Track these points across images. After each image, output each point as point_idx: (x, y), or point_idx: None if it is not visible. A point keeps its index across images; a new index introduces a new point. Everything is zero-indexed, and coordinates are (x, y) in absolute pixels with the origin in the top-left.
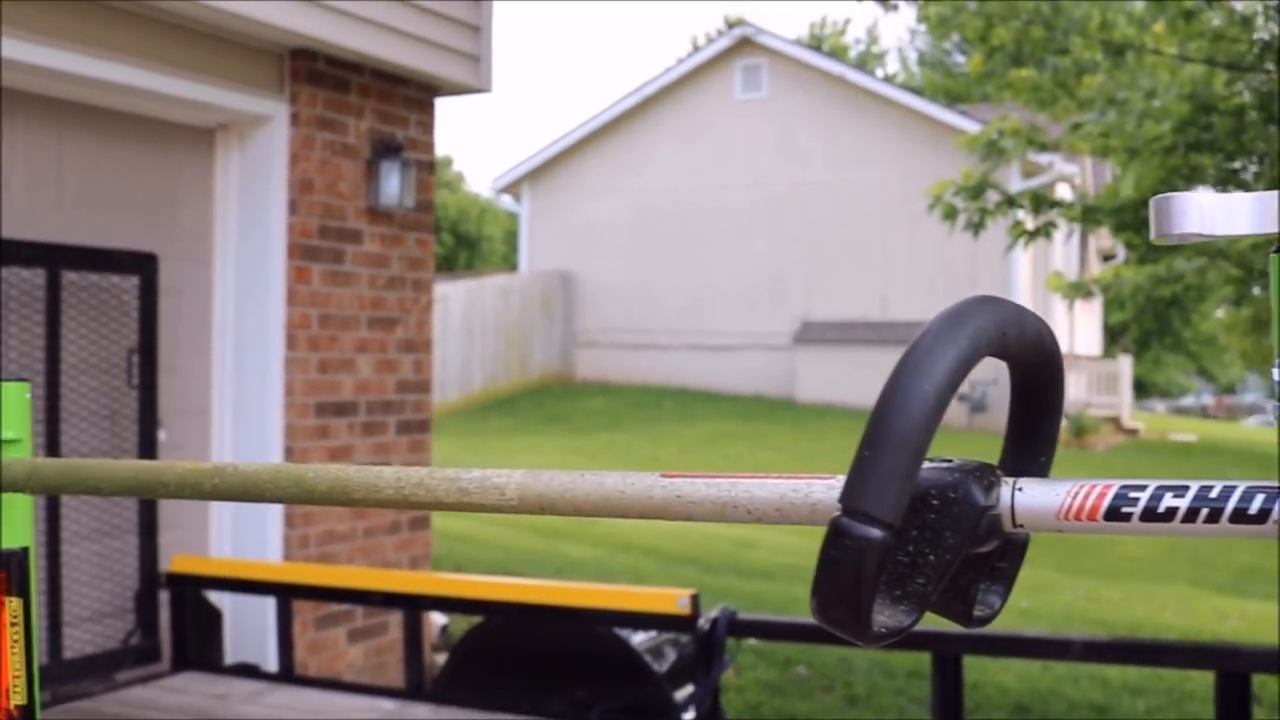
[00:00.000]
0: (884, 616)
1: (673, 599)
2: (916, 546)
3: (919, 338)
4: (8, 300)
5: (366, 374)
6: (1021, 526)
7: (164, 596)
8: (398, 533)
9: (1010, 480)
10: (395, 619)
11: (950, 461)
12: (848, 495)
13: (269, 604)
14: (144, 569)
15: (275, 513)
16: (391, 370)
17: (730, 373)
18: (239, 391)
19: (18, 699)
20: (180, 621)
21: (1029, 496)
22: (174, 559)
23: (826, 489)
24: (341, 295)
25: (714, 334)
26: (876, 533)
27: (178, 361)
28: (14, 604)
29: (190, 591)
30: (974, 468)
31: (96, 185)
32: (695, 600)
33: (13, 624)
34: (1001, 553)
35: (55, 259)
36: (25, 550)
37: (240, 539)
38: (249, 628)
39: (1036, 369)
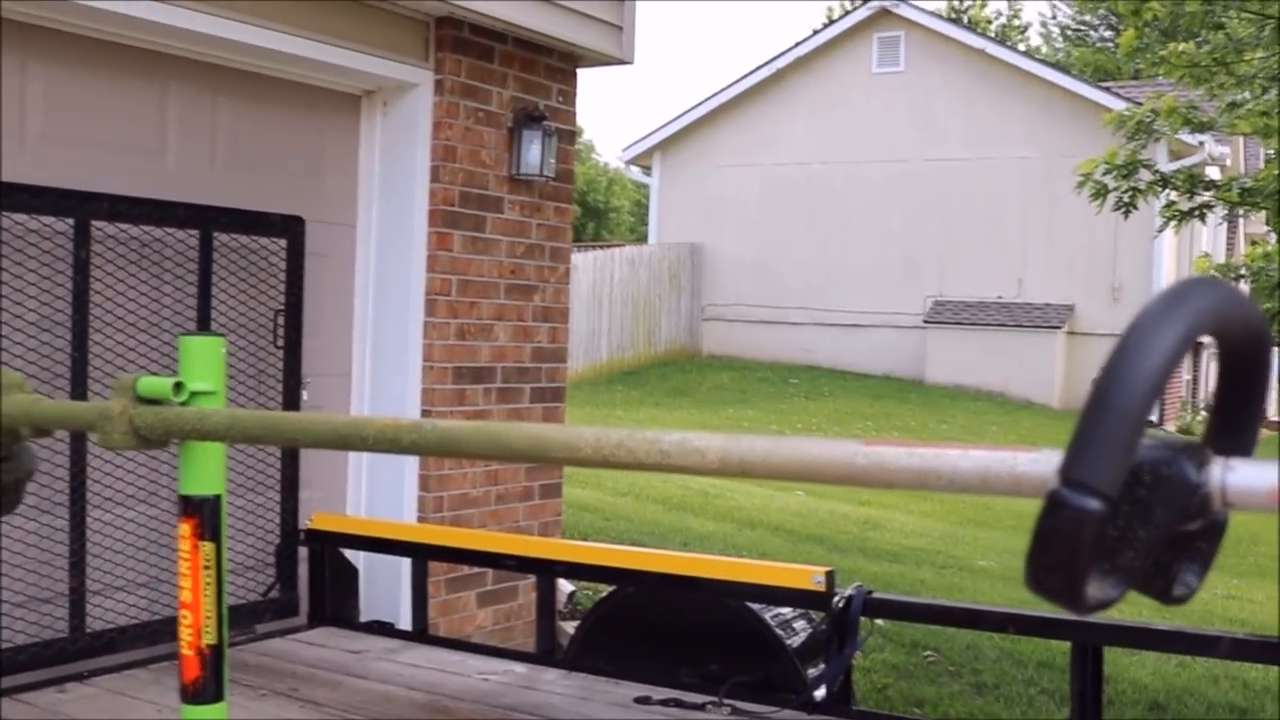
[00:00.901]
0: (1094, 589)
1: (807, 575)
2: (1128, 521)
3: (1140, 315)
4: (164, 260)
5: (503, 341)
6: (1231, 505)
7: (302, 553)
8: (529, 499)
9: (1221, 460)
10: (524, 584)
11: (1162, 438)
12: (1068, 466)
13: (403, 564)
14: (284, 525)
15: (410, 475)
16: (528, 338)
17: (859, 351)
18: (378, 354)
19: (209, 638)
20: (318, 577)
21: (1241, 476)
22: (313, 516)
23: (1032, 461)
24: (481, 262)
25: (843, 311)
26: (1095, 504)
27: (320, 323)
28: (207, 548)
29: (328, 548)
30: (1186, 445)
31: (246, 149)
32: (830, 577)
33: (205, 567)
34: (1202, 533)
35: (208, 220)
36: (217, 498)
37: (376, 499)
38: (383, 586)
39: (1247, 351)
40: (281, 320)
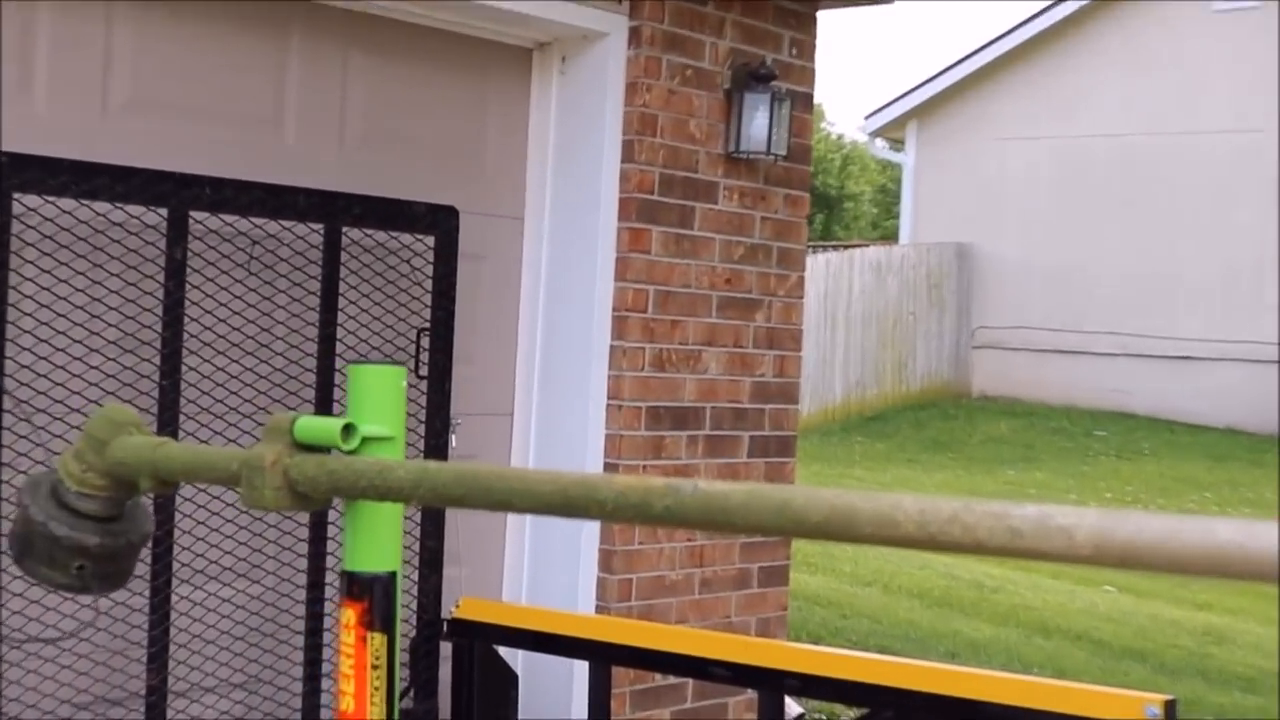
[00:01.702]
0: None
1: (1134, 704)
2: None
3: None
4: (278, 261)
5: (715, 372)
6: None
7: (445, 649)
8: (745, 586)
9: None
10: (737, 701)
11: None
12: None
13: (577, 669)
14: (423, 612)
15: (588, 550)
16: (747, 368)
17: (1193, 394)
18: (550, 388)
19: None
20: (464, 682)
21: None
22: (460, 602)
23: None
24: (687, 269)
25: (1171, 339)
26: None
27: (475, 347)
28: (377, 642)
29: (479, 645)
30: None
31: (384, 118)
32: (1171, 709)
33: (374, 666)
34: None
35: (335, 211)
36: (392, 576)
37: (542, 581)
38: (550, 697)
39: None
40: (426, 342)
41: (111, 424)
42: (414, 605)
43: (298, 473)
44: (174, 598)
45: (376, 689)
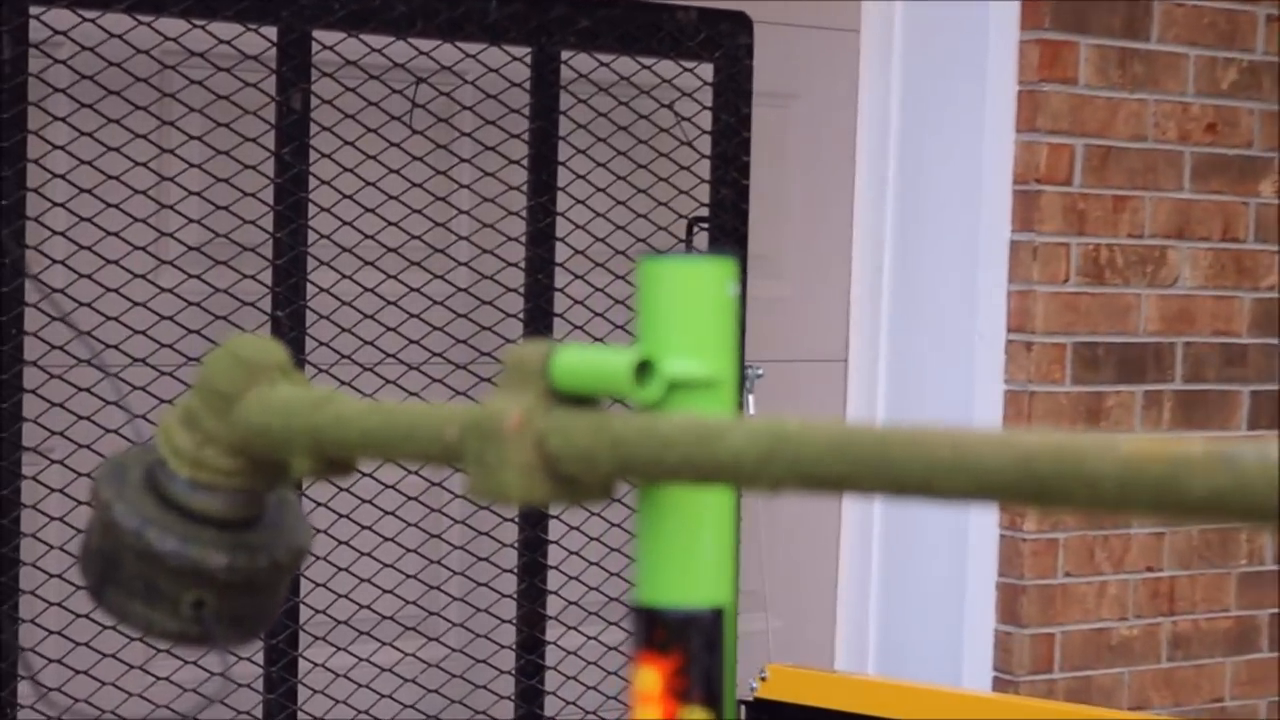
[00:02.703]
0: None
1: None
2: None
3: None
4: (456, 112)
5: (1189, 285)
6: None
7: None
8: (1247, 650)
9: None
10: None
11: None
12: None
13: None
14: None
15: (979, 587)
16: (1246, 279)
17: None
18: (906, 319)
19: None
20: None
21: None
22: (766, 672)
23: None
24: (1140, 109)
25: None
26: None
27: (782, 250)
28: None
29: None
30: None
31: None
32: None
33: None
34: None
35: (550, 26)
36: (719, 615)
37: (899, 639)
38: None
39: None
40: (701, 239)
41: (244, 367)
42: None
43: (561, 442)
44: (301, 666)
45: None
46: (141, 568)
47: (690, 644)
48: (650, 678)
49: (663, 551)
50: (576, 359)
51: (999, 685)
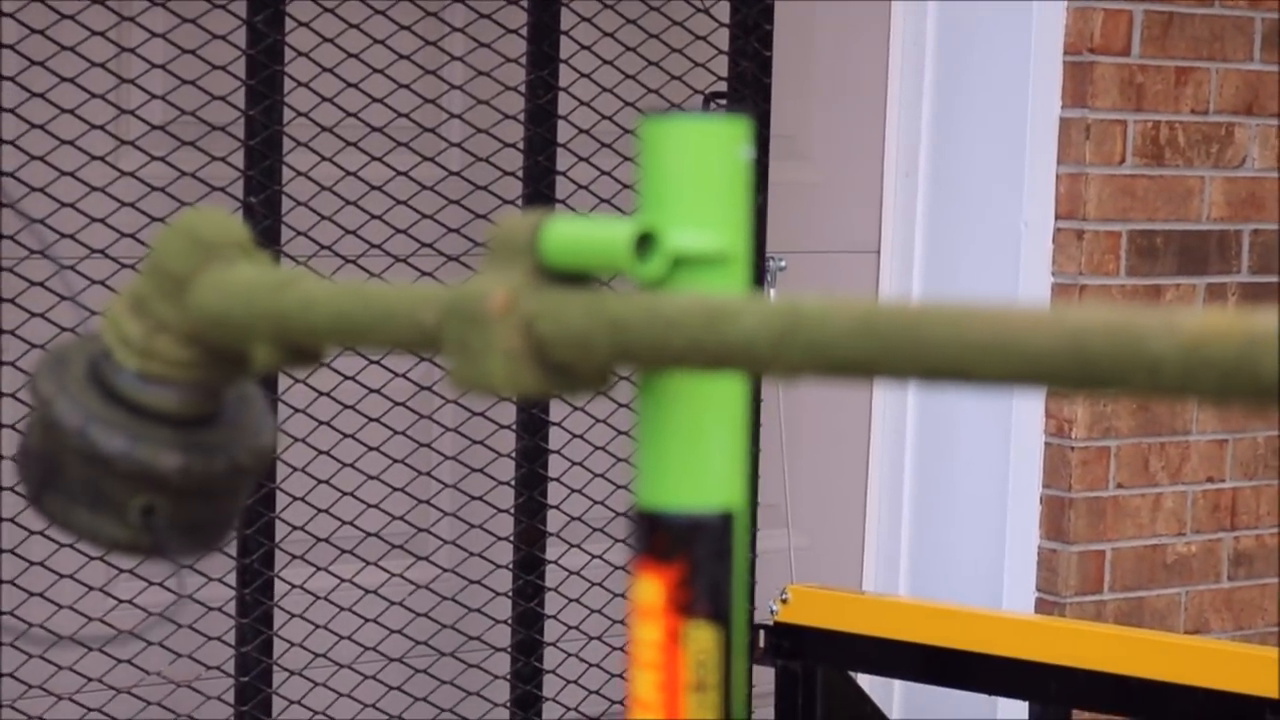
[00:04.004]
0: None
1: None
2: None
3: None
4: None
5: (1258, 167)
6: None
7: (763, 675)
8: None
9: None
10: None
11: None
12: None
13: (1005, 712)
14: None
15: (1022, 501)
16: None
17: None
18: (944, 204)
19: None
20: None
21: None
22: (788, 593)
23: None
24: None
25: None
26: None
27: (807, 126)
28: (702, 639)
29: (821, 668)
30: None
31: None
32: None
33: (699, 687)
34: None
35: None
36: (729, 520)
37: (933, 560)
38: None
39: None
40: (720, 114)
41: (199, 246)
42: None
43: (552, 325)
44: (277, 588)
45: None
46: (86, 470)
47: (696, 552)
48: (651, 589)
49: (666, 448)
50: (569, 232)
51: (1043, 607)
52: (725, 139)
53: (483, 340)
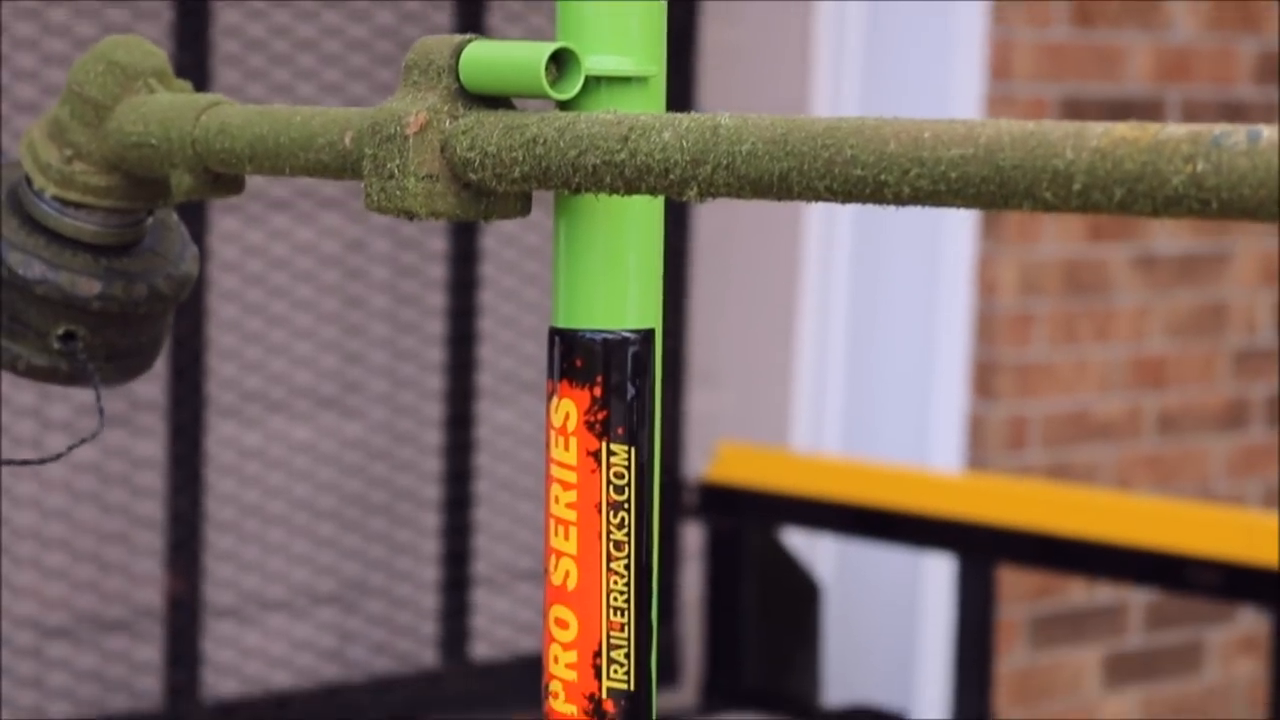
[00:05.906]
0: None
1: None
2: None
3: None
4: None
5: (1189, 36)
6: None
7: (692, 542)
8: (1238, 427)
9: None
10: (1224, 639)
11: None
12: None
13: (932, 570)
14: None
15: (950, 360)
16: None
17: None
18: (871, 64)
19: (617, 680)
20: (724, 597)
21: None
22: (719, 450)
23: None
24: None
25: None
26: None
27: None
28: (619, 458)
29: (750, 529)
30: None
31: None
32: None
33: (614, 506)
34: None
35: None
36: (648, 337)
37: (863, 417)
38: (879, 618)
39: None
40: None
41: (117, 71)
42: None
43: (469, 145)
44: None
45: (618, 558)
46: (5, 297)
47: (612, 372)
48: (567, 409)
49: (582, 269)
50: (487, 53)
51: (973, 466)
52: None
53: (400, 162)
